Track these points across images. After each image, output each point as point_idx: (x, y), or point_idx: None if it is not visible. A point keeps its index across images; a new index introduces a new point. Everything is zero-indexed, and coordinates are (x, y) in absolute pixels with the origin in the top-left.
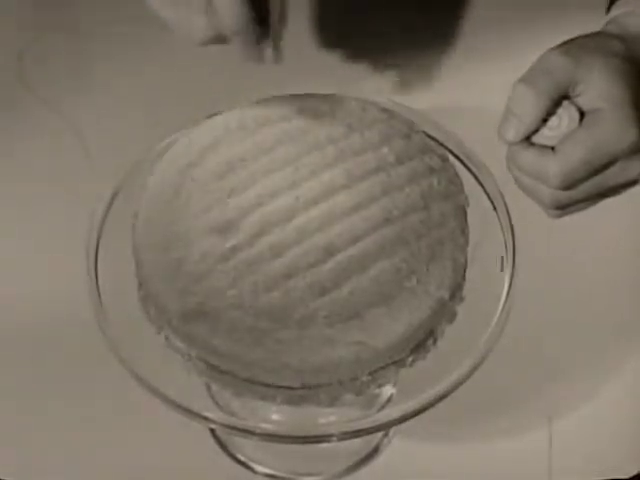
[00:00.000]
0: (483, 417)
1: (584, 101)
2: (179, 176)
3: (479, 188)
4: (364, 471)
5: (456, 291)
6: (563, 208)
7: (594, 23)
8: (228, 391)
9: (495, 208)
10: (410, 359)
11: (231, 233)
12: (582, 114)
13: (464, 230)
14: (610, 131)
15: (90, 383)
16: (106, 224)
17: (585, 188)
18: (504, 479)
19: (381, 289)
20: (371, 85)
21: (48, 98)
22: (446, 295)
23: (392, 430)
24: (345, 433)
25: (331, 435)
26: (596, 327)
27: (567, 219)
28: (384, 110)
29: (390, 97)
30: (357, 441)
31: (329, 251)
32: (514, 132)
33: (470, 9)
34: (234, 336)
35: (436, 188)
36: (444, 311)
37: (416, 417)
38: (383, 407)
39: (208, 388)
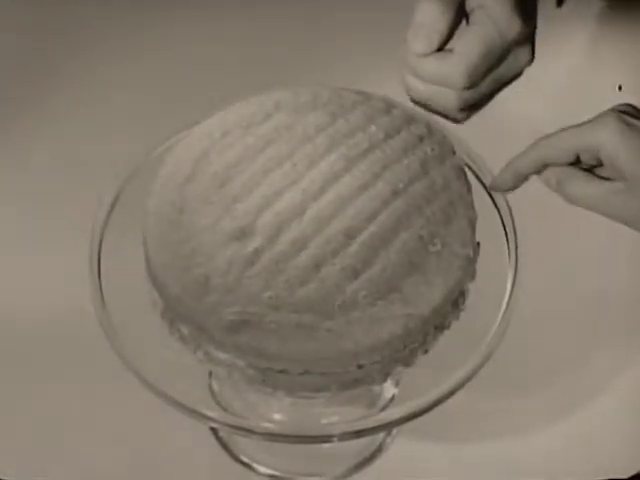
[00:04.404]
0: (484, 417)
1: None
2: (178, 194)
3: (481, 186)
4: (367, 471)
5: (475, 248)
6: (469, 108)
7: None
8: (280, 392)
9: (496, 206)
10: (448, 320)
11: (249, 238)
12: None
13: (469, 188)
14: (499, 23)
15: (91, 383)
16: (106, 231)
17: (486, 83)
18: (505, 478)
19: (410, 259)
20: (370, 83)
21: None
22: (471, 252)
23: (395, 430)
24: (347, 433)
25: (333, 435)
26: (596, 328)
27: (569, 219)
28: (359, 92)
29: (389, 95)
30: (360, 441)
31: (349, 234)
32: (427, 42)
33: None
34: (283, 336)
35: (430, 154)
36: (470, 268)
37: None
38: (385, 407)
39: (210, 387)
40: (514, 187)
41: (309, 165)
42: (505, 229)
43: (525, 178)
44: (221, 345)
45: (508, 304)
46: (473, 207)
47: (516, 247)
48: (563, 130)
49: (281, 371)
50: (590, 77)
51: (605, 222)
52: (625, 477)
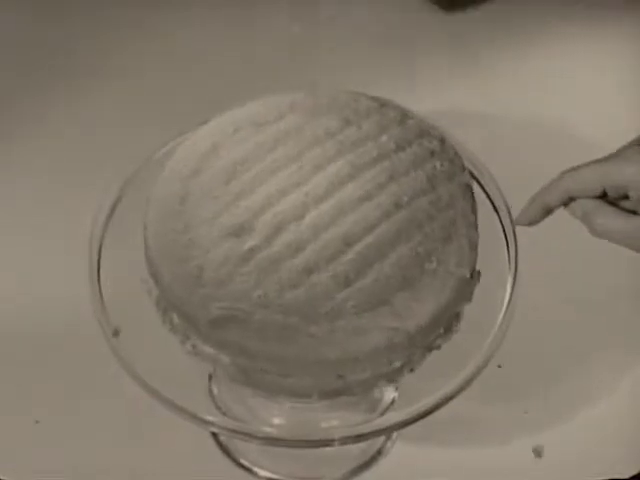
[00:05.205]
0: (484, 421)
1: None
2: (182, 185)
3: (481, 191)
4: (367, 475)
5: (474, 269)
6: None
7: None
8: (261, 393)
9: (497, 211)
10: (438, 341)
11: (247, 235)
12: None
13: (473, 208)
14: None
15: (91, 385)
16: (107, 231)
17: None
18: None
19: (404, 273)
20: (373, 88)
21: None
22: (467, 273)
23: (395, 434)
24: (347, 438)
25: (333, 440)
26: (596, 328)
27: (569, 223)
28: (375, 99)
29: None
30: (360, 445)
31: (347, 242)
32: None
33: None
34: (266, 336)
35: (439, 169)
36: (466, 290)
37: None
38: (385, 411)
39: (210, 392)
40: (540, 220)
41: (315, 169)
42: (505, 233)
43: (551, 211)
44: (206, 338)
45: (508, 308)
46: (476, 228)
47: (516, 251)
48: (589, 164)
49: (262, 371)
50: (598, 83)
51: None
52: (625, 477)
